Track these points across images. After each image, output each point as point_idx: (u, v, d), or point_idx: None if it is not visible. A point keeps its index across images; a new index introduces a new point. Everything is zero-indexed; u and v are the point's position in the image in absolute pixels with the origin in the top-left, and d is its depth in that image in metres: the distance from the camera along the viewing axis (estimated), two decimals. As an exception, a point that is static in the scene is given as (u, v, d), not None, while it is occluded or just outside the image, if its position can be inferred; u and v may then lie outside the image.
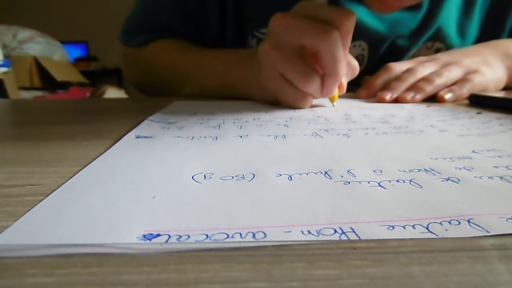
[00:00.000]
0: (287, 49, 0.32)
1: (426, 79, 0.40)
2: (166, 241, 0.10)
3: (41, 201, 0.13)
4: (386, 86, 0.41)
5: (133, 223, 0.11)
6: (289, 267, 0.09)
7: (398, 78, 0.41)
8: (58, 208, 0.13)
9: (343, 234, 0.11)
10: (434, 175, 0.16)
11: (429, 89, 0.39)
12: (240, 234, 0.11)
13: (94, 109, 0.43)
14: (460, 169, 0.17)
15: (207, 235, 0.11)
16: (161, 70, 0.52)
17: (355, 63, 0.37)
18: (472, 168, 0.17)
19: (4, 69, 1.67)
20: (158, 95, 0.56)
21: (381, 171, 0.16)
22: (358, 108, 0.36)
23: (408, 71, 0.41)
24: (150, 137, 0.24)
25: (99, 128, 0.28)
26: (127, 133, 0.24)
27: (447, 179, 0.15)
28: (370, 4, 0.33)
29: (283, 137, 0.24)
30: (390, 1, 0.31)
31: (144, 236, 0.11)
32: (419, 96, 0.39)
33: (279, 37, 0.33)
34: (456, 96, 0.40)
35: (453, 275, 0.09)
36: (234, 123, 0.29)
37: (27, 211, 0.12)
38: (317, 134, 0.24)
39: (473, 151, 0.19)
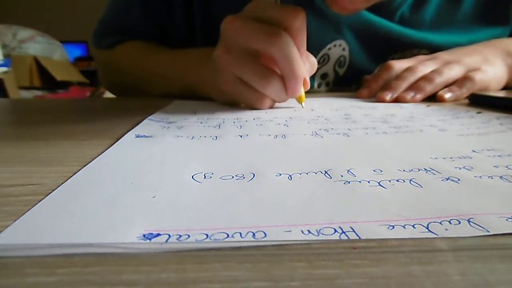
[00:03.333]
0: (240, 52, 0.32)
1: (426, 78, 0.40)
2: (166, 240, 0.10)
3: (41, 200, 0.13)
4: (386, 86, 0.41)
5: (133, 223, 0.11)
6: (289, 266, 0.09)
7: (398, 77, 0.41)
8: (58, 208, 0.13)
9: (343, 234, 0.11)
10: (434, 174, 0.16)
11: (429, 88, 0.39)
12: (240, 233, 0.11)
13: (94, 109, 0.43)
14: (460, 168, 0.17)
15: (207, 235, 0.11)
16: (127, 72, 0.53)
17: (313, 59, 0.36)
18: (472, 168, 0.17)
19: (4, 69, 1.67)
20: (129, 96, 0.56)
21: (381, 171, 0.16)
22: (358, 107, 0.36)
23: (408, 69, 0.41)
24: (150, 136, 0.24)
25: (99, 127, 0.28)
26: (127, 133, 0.24)
27: (447, 179, 0.15)
28: (330, 6, 0.33)
29: (283, 136, 0.24)
30: (344, 4, 0.31)
31: (144, 235, 0.11)
32: (419, 96, 0.39)
33: (231, 40, 0.32)
34: (456, 96, 0.39)
35: (453, 274, 0.09)
36: (234, 122, 0.29)
37: (27, 211, 0.12)
38: (317, 134, 0.24)
39: (473, 151, 0.19)
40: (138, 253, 0.10)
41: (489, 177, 0.15)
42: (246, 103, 0.36)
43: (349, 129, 0.26)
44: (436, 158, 0.18)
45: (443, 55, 0.43)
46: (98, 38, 0.58)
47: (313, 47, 0.38)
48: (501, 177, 0.15)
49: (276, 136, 0.24)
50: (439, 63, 0.42)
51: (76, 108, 0.45)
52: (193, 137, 0.24)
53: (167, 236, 0.11)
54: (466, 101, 0.39)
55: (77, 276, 0.09)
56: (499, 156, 0.18)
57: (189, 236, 0.11)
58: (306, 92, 0.35)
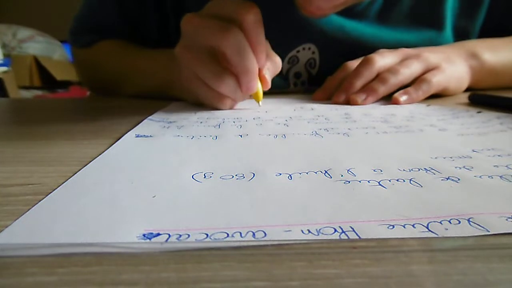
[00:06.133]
0: (198, 50, 0.32)
1: (380, 78, 0.38)
2: (166, 240, 0.10)
3: (41, 200, 0.13)
4: (341, 84, 0.40)
5: (133, 222, 0.11)
6: (289, 266, 0.09)
7: (353, 72, 0.39)
8: (58, 207, 0.13)
9: (343, 233, 0.11)
10: (434, 174, 0.16)
11: (382, 89, 0.38)
12: (240, 233, 0.11)
13: (94, 108, 0.43)
14: (460, 168, 0.17)
15: (207, 234, 0.11)
16: (103, 71, 0.53)
17: (277, 59, 0.36)
18: (472, 167, 0.17)
19: (4, 68, 1.67)
20: (108, 94, 0.56)
21: (381, 170, 0.16)
22: (358, 107, 0.36)
23: (365, 61, 0.39)
24: (150, 136, 0.24)
25: (99, 127, 0.28)
26: (127, 132, 0.24)
27: (447, 178, 0.15)
28: (301, 8, 0.32)
29: (283, 136, 0.24)
30: (312, 10, 0.30)
31: (144, 235, 0.11)
32: (370, 99, 0.38)
33: (190, 38, 0.33)
34: (412, 99, 0.38)
35: (453, 274, 0.09)
36: (234, 122, 0.29)
37: (27, 210, 0.12)
38: (317, 133, 0.24)
39: (473, 150, 0.19)
40: (138, 253, 0.10)
41: (489, 176, 0.15)
42: (206, 102, 0.35)
43: (349, 129, 0.26)
44: (436, 157, 0.18)
45: (405, 49, 0.41)
46: (74, 37, 0.58)
47: (281, 49, 0.37)
48: (501, 176, 0.15)
49: (276, 135, 0.24)
50: (398, 56, 0.40)
51: (76, 108, 0.45)
52: (193, 136, 0.24)
53: (167, 235, 0.11)
54: (466, 100, 0.39)
55: (77, 276, 0.09)
56: (499, 155, 0.18)
57: (189, 235, 0.11)
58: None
